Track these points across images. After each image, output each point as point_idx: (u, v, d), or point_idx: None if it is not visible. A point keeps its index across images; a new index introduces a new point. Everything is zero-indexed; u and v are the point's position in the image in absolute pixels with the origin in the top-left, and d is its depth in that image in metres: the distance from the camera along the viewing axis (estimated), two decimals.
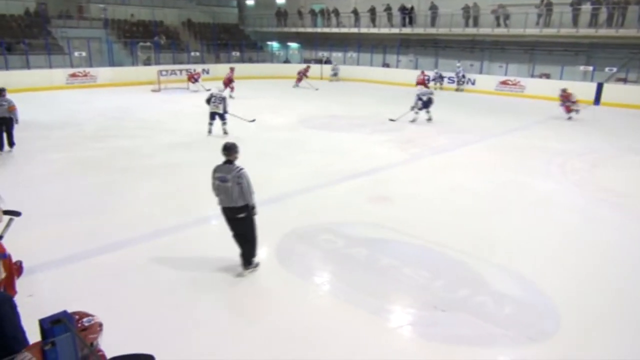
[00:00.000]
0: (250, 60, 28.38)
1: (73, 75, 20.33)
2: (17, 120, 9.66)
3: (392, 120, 13.66)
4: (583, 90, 18.87)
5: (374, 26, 26.56)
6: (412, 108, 13.49)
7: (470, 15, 22.88)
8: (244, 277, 4.90)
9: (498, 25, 21.95)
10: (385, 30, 26.05)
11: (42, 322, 2.07)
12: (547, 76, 21.01)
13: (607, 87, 18.75)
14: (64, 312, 2.15)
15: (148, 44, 24.47)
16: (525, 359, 3.79)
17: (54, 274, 4.84)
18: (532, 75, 21.34)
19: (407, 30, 25.30)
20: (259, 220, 4.87)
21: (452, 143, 11.40)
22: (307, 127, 13.08)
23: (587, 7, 19.68)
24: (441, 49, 24.81)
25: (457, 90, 22.09)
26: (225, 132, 11.19)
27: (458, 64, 22.47)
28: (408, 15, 25.12)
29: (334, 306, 4.45)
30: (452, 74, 22.50)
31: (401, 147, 10.82)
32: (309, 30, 29.40)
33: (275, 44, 32.10)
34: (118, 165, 8.87)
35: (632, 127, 14.46)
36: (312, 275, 5.05)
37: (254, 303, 4.45)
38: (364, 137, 11.85)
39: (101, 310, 2.58)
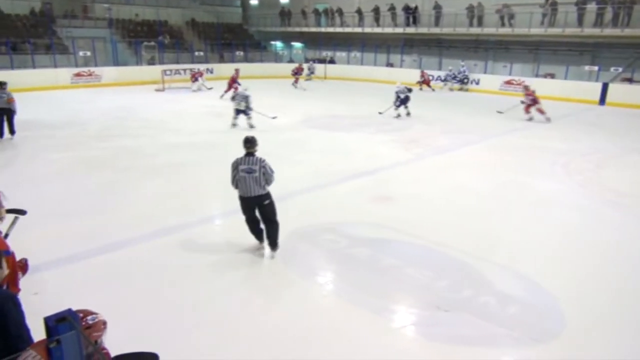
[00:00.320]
0: (253, 60, 28.39)
1: (78, 74, 20.42)
2: (15, 111, 10.50)
3: (380, 113, 14.81)
4: (588, 90, 18.88)
5: (378, 26, 26.54)
6: (395, 104, 14.56)
7: (475, 15, 22.81)
8: (248, 277, 4.94)
9: (502, 25, 21.89)
10: (389, 30, 26.02)
11: (47, 320, 2.09)
12: (552, 76, 20.93)
13: (612, 87, 18.64)
14: (69, 310, 2.16)
15: (152, 43, 24.55)
16: None
17: (58, 272, 4.87)
18: (537, 75, 21.26)
19: (411, 30, 25.27)
20: None
21: (455, 143, 11.38)
22: (310, 126, 13.09)
23: (592, 7, 19.59)
24: (445, 49, 24.75)
25: (460, 89, 22.07)
26: (251, 126, 12.02)
27: (462, 64, 22.44)
28: (412, 14, 25.09)
29: (336, 306, 4.46)
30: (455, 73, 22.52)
31: (404, 147, 10.80)
32: (313, 30, 29.40)
33: (279, 44, 32.13)
34: (121, 165, 8.91)
35: (637, 127, 14.36)
36: (315, 275, 5.06)
37: (256, 303, 4.46)
38: (367, 137, 11.85)
39: (105, 309, 2.60)
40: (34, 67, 19.68)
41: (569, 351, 3.88)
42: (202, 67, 22.88)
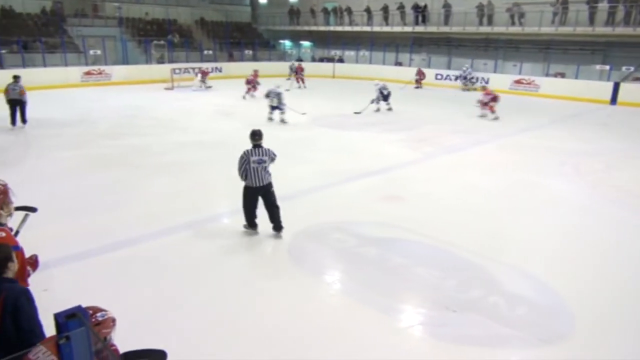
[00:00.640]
0: (262, 59, 28.36)
1: (88, 73, 20.56)
2: (26, 102, 11.46)
3: (357, 113, 14.78)
4: (599, 89, 18.66)
5: (387, 24, 26.42)
6: (373, 101, 15.09)
7: (485, 14, 22.64)
8: (253, 276, 4.96)
9: (513, 23, 21.70)
10: (398, 29, 25.89)
11: (57, 317, 2.09)
12: (563, 75, 20.70)
13: (623, 86, 18.41)
14: (79, 307, 2.16)
15: (162, 42, 24.66)
16: None
17: (68, 269, 4.92)
18: (547, 75, 21.05)
19: (420, 28, 25.12)
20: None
21: (465, 142, 11.32)
22: (319, 125, 13.08)
23: (604, 5, 19.36)
24: (454, 48, 24.60)
25: (463, 90, 21.85)
26: (283, 121, 12.89)
27: (466, 65, 22.31)
28: (421, 13, 24.96)
29: (344, 305, 4.46)
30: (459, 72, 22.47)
31: (413, 146, 10.76)
32: (322, 28, 29.34)
33: (287, 43, 32.12)
34: (130, 163, 8.96)
35: None
36: (323, 274, 5.05)
37: (264, 301, 4.46)
38: (376, 136, 11.82)
39: (114, 306, 2.61)
40: (44, 65, 19.84)
41: (577, 352, 3.84)
42: (210, 66, 22.93)
